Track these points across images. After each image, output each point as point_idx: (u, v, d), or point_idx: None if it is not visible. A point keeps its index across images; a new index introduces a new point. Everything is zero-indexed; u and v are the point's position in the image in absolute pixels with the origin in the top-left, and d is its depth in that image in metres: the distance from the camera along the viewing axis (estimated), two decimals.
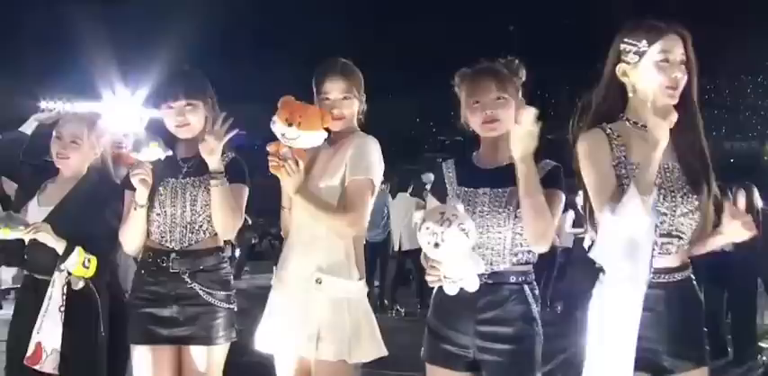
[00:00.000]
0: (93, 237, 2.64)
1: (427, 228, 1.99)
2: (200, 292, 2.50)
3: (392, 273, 8.45)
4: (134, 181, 2.45)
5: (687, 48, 1.97)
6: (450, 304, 2.17)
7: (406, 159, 17.73)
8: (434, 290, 2.23)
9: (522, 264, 2.18)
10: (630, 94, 2.02)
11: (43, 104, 11.57)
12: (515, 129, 2.01)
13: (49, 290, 2.57)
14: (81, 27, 16.56)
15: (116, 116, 9.84)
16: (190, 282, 2.50)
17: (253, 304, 2.98)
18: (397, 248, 8.16)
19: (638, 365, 1.84)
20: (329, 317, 2.35)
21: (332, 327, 2.34)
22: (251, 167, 2.64)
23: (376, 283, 8.05)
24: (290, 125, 2.30)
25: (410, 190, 8.22)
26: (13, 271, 6.06)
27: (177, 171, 2.56)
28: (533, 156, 2.05)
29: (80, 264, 2.58)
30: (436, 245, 1.98)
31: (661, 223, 1.88)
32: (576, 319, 2.69)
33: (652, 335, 1.89)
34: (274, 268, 2.59)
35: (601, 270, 1.90)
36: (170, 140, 2.57)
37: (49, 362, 2.52)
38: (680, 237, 1.96)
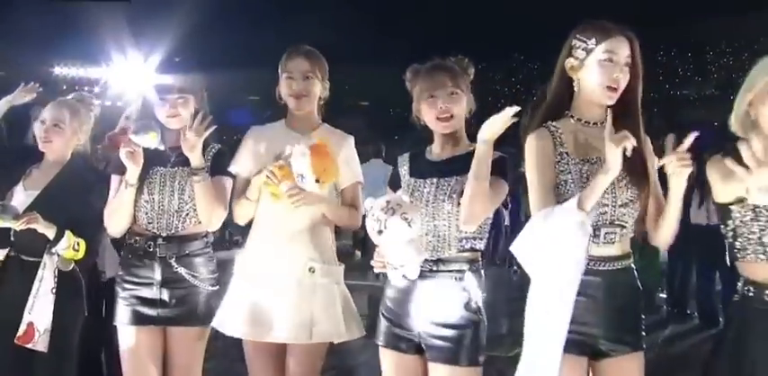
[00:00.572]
0: (80, 222, 2.70)
1: (373, 215, 2.10)
2: (186, 276, 2.58)
3: None
4: (122, 154, 2.49)
5: (634, 50, 2.01)
6: (397, 290, 2.26)
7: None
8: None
9: (467, 250, 2.22)
10: (576, 90, 2.07)
11: (57, 70, 11.60)
12: (494, 116, 2.03)
13: (40, 272, 2.65)
14: None
15: (127, 80, 9.88)
16: (176, 266, 2.58)
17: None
18: None
19: (577, 349, 1.93)
20: (323, 303, 2.47)
21: (326, 312, 2.46)
22: None
23: None
24: (316, 182, 2.38)
25: None
26: None
27: (166, 160, 2.63)
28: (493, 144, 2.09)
29: (70, 248, 2.66)
30: (380, 232, 2.09)
31: (603, 213, 1.99)
32: None
33: (590, 320, 1.98)
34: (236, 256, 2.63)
35: None
36: (161, 129, 2.59)
37: (42, 342, 2.61)
38: (623, 227, 2.03)
